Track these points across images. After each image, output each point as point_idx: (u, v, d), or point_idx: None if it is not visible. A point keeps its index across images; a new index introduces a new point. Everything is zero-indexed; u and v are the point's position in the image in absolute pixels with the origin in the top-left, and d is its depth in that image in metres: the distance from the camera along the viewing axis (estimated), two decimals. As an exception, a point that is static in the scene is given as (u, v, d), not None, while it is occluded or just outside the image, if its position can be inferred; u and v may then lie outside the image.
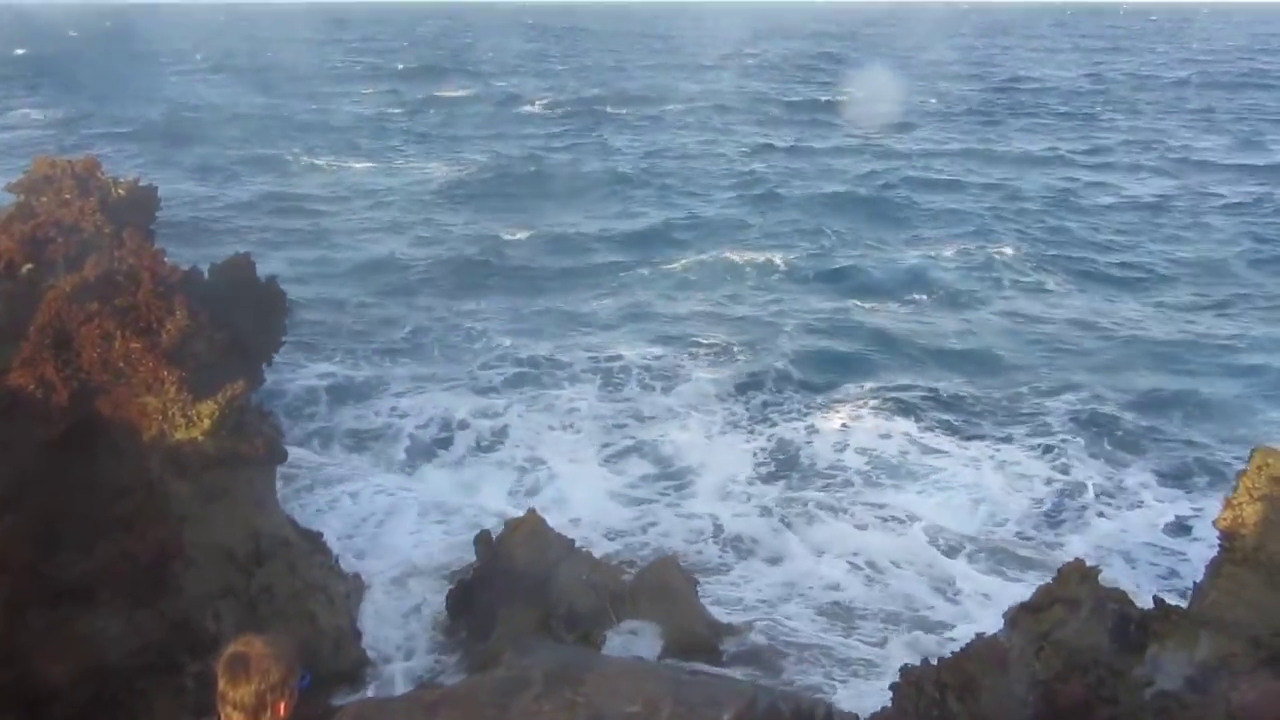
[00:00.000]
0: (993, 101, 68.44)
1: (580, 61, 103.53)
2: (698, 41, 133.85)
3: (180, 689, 9.31)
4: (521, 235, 32.11)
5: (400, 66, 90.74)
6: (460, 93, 72.38)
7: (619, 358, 21.56)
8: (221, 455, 10.78)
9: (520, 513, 12.95)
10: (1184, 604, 8.95)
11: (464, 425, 18.03)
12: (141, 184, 12.85)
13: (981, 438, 18.22)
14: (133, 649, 9.29)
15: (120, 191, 12.17)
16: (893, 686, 9.89)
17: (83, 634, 9.03)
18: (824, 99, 67.69)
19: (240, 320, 12.50)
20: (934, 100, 67.18)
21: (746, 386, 20.31)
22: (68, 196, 11.60)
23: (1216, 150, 49.61)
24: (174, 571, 9.94)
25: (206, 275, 12.61)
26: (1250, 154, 48.26)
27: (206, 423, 10.67)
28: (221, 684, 3.96)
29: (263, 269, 12.92)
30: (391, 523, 14.71)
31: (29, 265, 10.86)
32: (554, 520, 12.99)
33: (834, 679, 11.39)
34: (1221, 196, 38.85)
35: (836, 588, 13.43)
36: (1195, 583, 9.10)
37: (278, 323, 13.56)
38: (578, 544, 12.65)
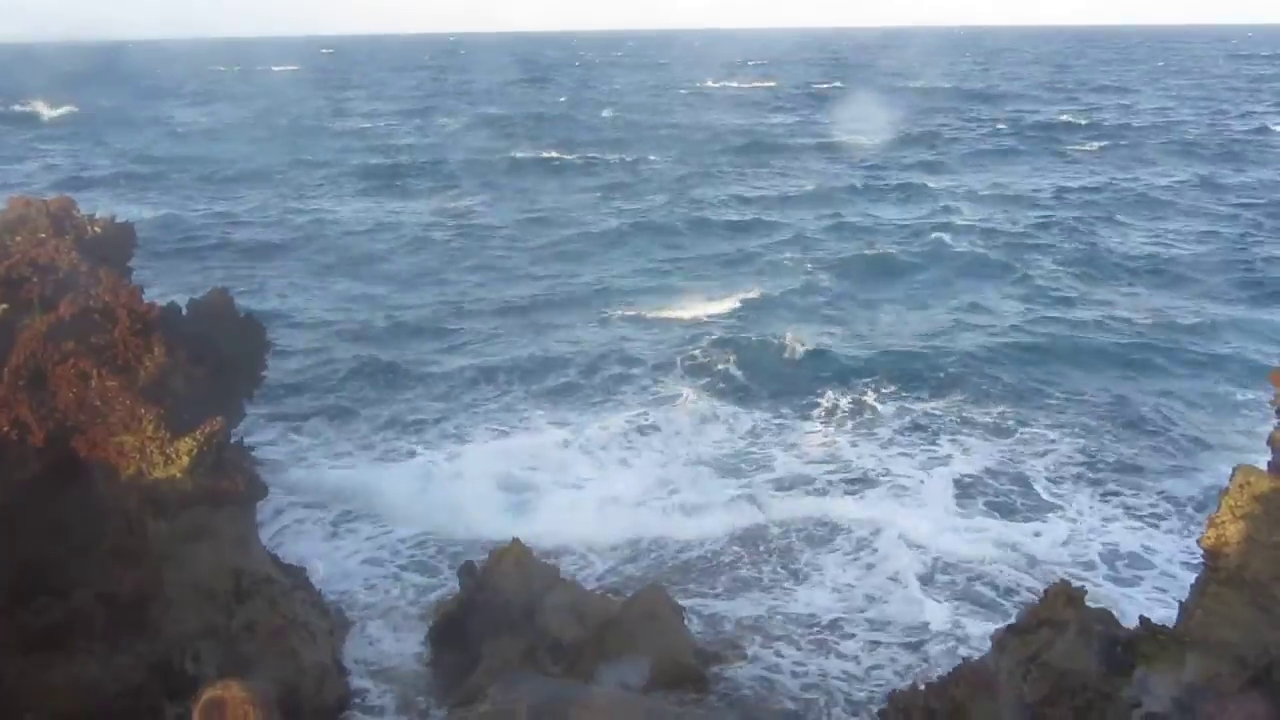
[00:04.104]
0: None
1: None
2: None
3: (160, 733, 9.17)
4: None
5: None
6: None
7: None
8: (201, 493, 10.66)
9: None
10: (1170, 623, 8.91)
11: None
12: (118, 220, 12.77)
13: (958, 445, 18.32)
14: (110, 694, 9.14)
15: (96, 229, 12.09)
16: (880, 713, 9.82)
17: (59, 680, 8.89)
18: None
19: (220, 355, 12.42)
20: None
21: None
22: (43, 235, 11.51)
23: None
24: (153, 613, 9.81)
25: (185, 311, 12.53)
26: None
27: (185, 460, 10.56)
28: None
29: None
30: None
31: (3, 305, 10.76)
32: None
33: (822, 705, 11.29)
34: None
35: (823, 611, 13.34)
36: (1181, 601, 9.06)
37: (258, 357, 13.49)
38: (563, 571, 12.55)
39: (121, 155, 54.67)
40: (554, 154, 53.83)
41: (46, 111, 75.44)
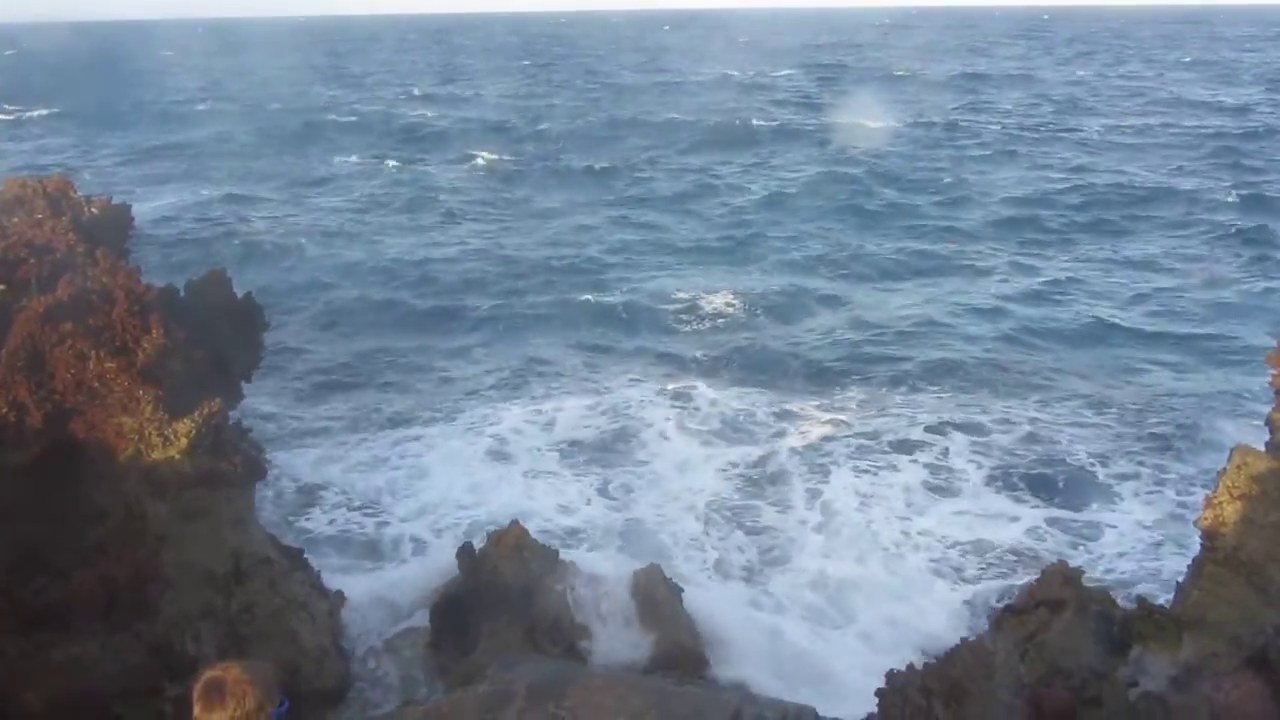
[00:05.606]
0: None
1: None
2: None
3: (159, 714, 9.19)
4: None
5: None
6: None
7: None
8: (199, 474, 10.68)
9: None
10: (1166, 603, 8.95)
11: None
12: (115, 202, 12.74)
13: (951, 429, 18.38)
14: (110, 674, 9.17)
15: (93, 210, 12.07)
16: (878, 693, 9.84)
17: (58, 660, 8.92)
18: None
19: (218, 337, 12.42)
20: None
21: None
22: (40, 216, 11.49)
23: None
24: (152, 594, 9.84)
25: (183, 292, 12.51)
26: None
27: (184, 441, 10.58)
28: (197, 710, 3.89)
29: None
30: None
31: (1, 286, 10.74)
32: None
33: (819, 685, 11.33)
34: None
35: (829, 589, 13.40)
36: (1178, 581, 9.10)
37: (256, 338, 13.49)
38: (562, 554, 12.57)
39: (112, 147, 54.30)
40: (567, 156, 52.38)
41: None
